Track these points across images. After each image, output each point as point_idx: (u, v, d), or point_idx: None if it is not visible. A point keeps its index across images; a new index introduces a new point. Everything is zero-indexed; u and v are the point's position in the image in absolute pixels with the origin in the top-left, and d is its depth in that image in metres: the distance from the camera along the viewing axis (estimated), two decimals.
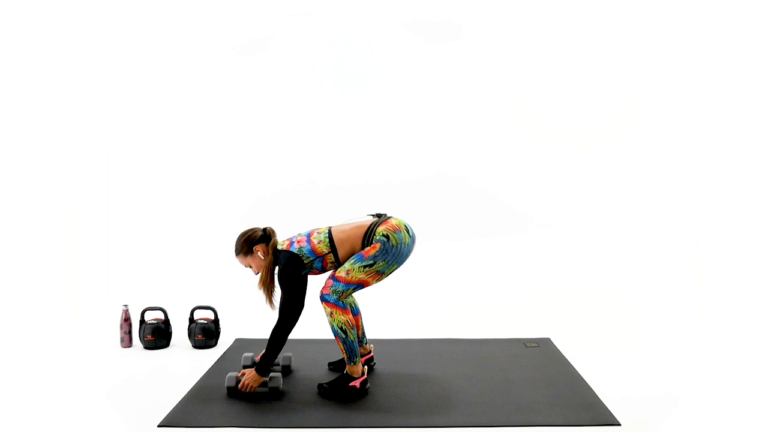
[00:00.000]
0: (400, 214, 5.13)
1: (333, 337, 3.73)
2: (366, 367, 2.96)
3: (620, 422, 2.55)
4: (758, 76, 4.81)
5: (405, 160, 5.35)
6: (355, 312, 3.13)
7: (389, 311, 4.20)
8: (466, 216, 5.28)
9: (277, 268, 2.89)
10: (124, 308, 3.59)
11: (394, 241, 2.82)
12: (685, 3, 4.99)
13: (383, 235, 2.83)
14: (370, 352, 3.21)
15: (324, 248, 2.85)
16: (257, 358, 3.16)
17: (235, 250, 2.96)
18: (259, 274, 2.95)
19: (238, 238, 2.95)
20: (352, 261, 2.83)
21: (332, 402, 2.79)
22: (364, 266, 2.81)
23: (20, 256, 4.79)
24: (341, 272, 2.83)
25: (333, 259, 2.87)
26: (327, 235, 2.89)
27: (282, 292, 2.83)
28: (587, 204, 5.28)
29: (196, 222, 5.29)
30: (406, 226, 2.90)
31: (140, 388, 2.99)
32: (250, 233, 2.94)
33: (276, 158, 5.38)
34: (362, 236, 2.86)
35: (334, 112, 5.37)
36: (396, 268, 2.88)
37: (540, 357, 3.35)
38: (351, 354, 2.86)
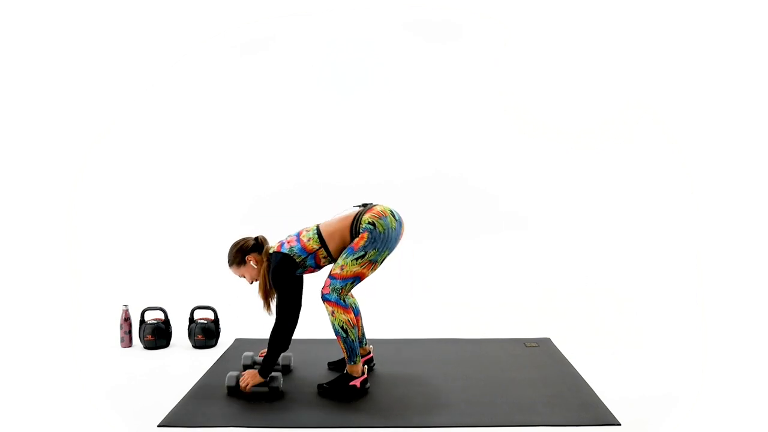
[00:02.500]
0: (400, 213, 5.16)
1: (333, 337, 3.74)
2: (366, 366, 2.96)
3: (620, 422, 2.55)
4: (758, 76, 4.81)
5: (405, 160, 5.35)
6: (356, 312, 3.13)
7: (389, 311, 4.20)
8: (466, 216, 5.28)
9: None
10: (124, 308, 3.59)
11: (380, 228, 2.82)
12: (685, 3, 4.99)
13: (369, 222, 2.83)
14: (369, 353, 3.21)
15: (314, 245, 2.86)
16: (261, 354, 3.16)
17: (228, 261, 2.96)
18: (257, 282, 2.95)
19: (231, 249, 2.94)
20: (344, 256, 2.83)
21: (332, 402, 2.79)
22: (356, 258, 2.81)
23: (21, 256, 4.79)
24: (336, 269, 2.83)
25: (325, 253, 2.88)
26: (315, 231, 2.89)
27: (277, 294, 2.83)
28: (587, 204, 5.28)
29: (196, 222, 5.29)
30: (391, 211, 2.90)
31: (140, 388, 2.99)
32: (242, 243, 2.93)
33: (276, 158, 5.37)
34: (350, 227, 2.87)
35: (334, 112, 5.37)
36: (387, 255, 2.87)
37: (540, 357, 3.35)
38: (351, 353, 2.86)
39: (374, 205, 2.92)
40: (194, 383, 3.01)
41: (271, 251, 2.91)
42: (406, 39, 5.32)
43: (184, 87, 5.34)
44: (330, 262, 2.93)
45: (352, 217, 2.89)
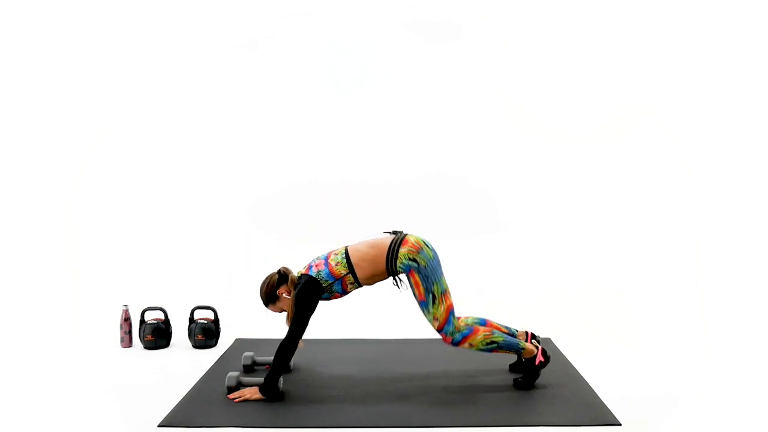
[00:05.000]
0: (400, 213, 5.17)
1: (333, 337, 3.75)
2: (535, 341, 3.02)
3: (620, 422, 2.55)
4: (759, 76, 4.80)
5: (405, 160, 5.35)
6: (482, 323, 3.01)
7: (389, 311, 4.20)
8: (466, 216, 5.27)
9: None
10: (124, 308, 3.59)
11: (423, 263, 2.83)
12: (686, 3, 4.98)
13: (410, 259, 2.82)
14: (527, 332, 3.13)
15: (342, 269, 2.84)
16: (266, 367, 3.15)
17: (263, 302, 2.97)
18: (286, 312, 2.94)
19: (261, 290, 2.95)
20: (426, 310, 2.85)
21: (331, 402, 2.79)
22: (433, 303, 2.83)
23: (21, 256, 4.79)
24: (435, 324, 2.86)
25: (352, 279, 2.86)
26: (344, 255, 2.86)
27: (294, 311, 2.82)
28: (588, 204, 5.27)
29: (196, 222, 5.29)
30: (425, 242, 2.90)
31: (140, 388, 2.99)
32: (267, 281, 2.94)
33: (276, 158, 5.37)
34: (383, 257, 2.84)
35: (334, 112, 5.37)
36: (442, 276, 2.89)
37: None
38: (513, 348, 2.90)
39: (406, 235, 2.89)
40: (194, 383, 3.01)
41: (298, 274, 2.92)
42: (406, 39, 5.32)
43: (184, 87, 5.34)
44: (356, 288, 2.91)
45: (386, 247, 2.86)
